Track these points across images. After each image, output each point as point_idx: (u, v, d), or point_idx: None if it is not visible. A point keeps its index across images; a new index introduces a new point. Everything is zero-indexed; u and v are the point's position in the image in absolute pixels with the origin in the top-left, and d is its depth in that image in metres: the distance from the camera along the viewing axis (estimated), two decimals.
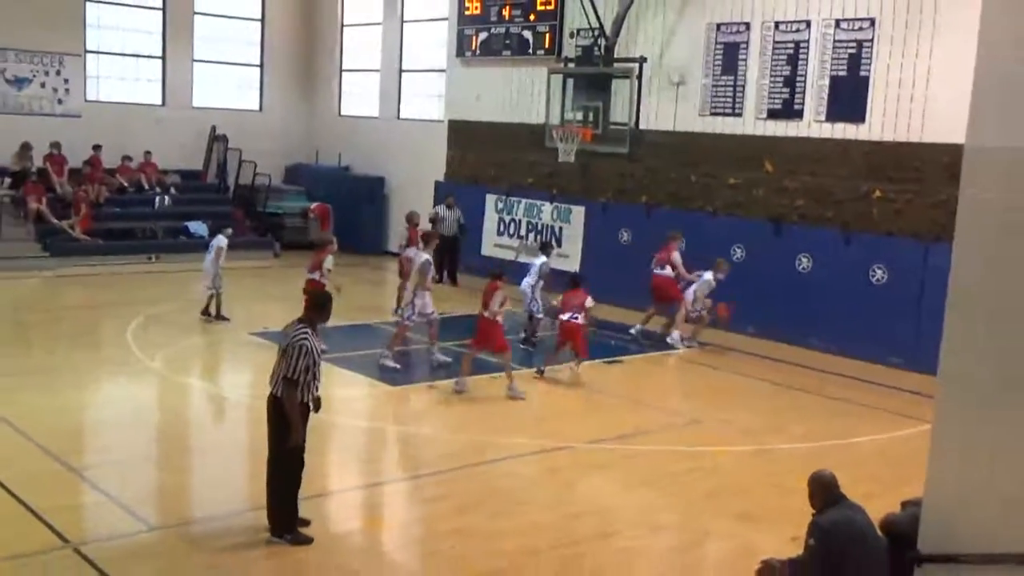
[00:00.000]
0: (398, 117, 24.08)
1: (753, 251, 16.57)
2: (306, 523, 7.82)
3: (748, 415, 12.09)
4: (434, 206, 22.16)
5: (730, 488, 9.39)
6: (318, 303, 8.08)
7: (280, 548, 7.60)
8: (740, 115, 16.89)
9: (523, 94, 20.18)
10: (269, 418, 7.73)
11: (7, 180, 21.38)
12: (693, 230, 17.24)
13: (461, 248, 20.67)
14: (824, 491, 5.87)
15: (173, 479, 9.59)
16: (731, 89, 17.03)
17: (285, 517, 7.70)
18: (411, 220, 17.14)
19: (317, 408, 7.81)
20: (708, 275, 15.46)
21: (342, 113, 25.72)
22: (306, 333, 7.62)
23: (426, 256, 13.91)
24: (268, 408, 7.74)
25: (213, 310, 15.80)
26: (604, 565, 7.49)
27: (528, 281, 15.19)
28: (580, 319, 13.12)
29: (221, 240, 16.16)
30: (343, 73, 25.79)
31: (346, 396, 12.28)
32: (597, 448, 10.43)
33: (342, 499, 9.38)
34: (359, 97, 25.34)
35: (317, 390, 7.73)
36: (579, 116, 19.14)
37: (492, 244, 21.16)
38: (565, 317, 13.25)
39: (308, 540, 7.65)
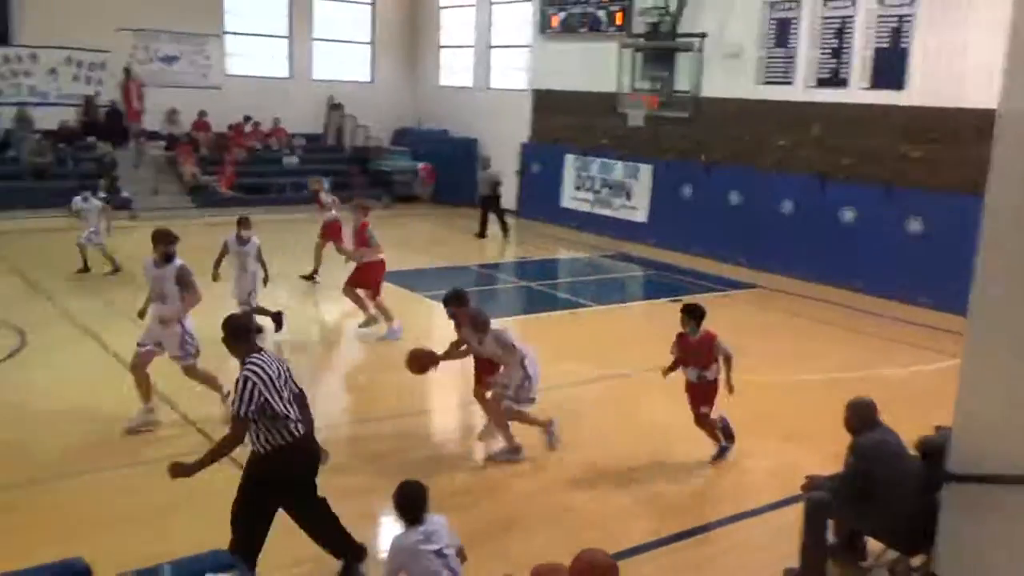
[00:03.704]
0: (488, 87, 23.97)
1: (801, 205, 16.21)
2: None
3: (792, 347, 11.93)
4: (518, 164, 22.25)
5: (774, 412, 9.30)
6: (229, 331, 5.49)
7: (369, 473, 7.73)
8: (791, 83, 16.42)
9: (597, 66, 19.87)
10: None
11: (162, 143, 21.96)
12: (747, 186, 17.01)
13: (499, 203, 19.88)
14: (863, 415, 5.76)
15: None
16: (783, 61, 16.55)
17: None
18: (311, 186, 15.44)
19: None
20: None
21: (441, 83, 25.69)
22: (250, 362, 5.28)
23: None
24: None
25: None
26: (661, 479, 7.50)
27: None
28: None
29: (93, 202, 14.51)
30: (441, 49, 25.72)
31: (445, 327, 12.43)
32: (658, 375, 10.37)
33: (422, 418, 9.54)
34: (455, 70, 25.27)
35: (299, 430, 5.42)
36: (646, 85, 18.89)
37: (570, 197, 21.09)
38: None
39: None
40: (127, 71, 21.58)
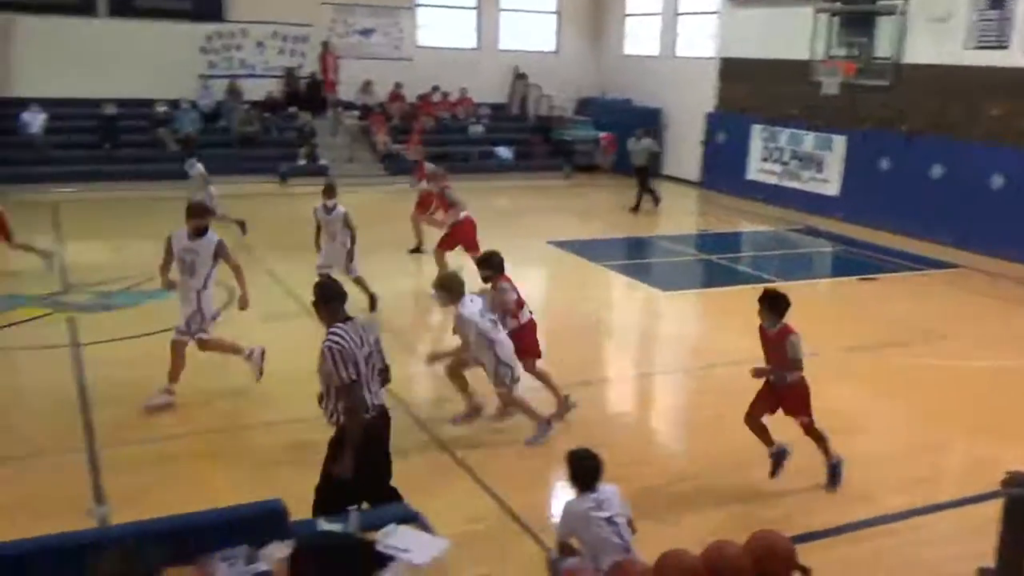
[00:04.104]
0: (674, 55, 23.45)
1: (1014, 179, 14.93)
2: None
3: (997, 331, 11.06)
4: (703, 134, 21.72)
5: (975, 400, 8.67)
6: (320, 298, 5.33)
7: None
8: (1007, 47, 15.09)
9: (789, 32, 18.99)
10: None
11: (356, 112, 22.91)
12: (952, 158, 15.85)
13: (651, 175, 19.29)
14: None
15: None
16: (998, 23, 15.21)
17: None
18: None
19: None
20: None
21: (625, 52, 25.34)
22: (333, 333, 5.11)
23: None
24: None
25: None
26: (846, 464, 7.17)
27: None
28: None
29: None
30: (627, 17, 25.34)
31: (622, 297, 12.39)
32: (846, 356, 9.93)
33: (618, 385, 9.53)
34: (640, 38, 24.86)
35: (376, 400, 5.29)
36: (842, 52, 17.92)
37: (757, 169, 20.39)
38: None
39: None
40: (325, 44, 22.59)
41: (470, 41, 24.90)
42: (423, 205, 13.87)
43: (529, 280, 13.71)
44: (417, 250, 13.98)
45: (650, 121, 23.07)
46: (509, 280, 7.83)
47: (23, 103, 19.40)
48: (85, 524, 5.20)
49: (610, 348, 10.61)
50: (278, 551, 4.18)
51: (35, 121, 19.30)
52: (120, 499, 5.79)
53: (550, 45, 25.85)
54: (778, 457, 6.72)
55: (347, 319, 5.22)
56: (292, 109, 22.15)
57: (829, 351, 9.56)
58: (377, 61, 23.45)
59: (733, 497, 6.58)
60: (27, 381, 7.80)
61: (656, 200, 19.00)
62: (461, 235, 11.79)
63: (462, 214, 11.88)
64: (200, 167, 14.50)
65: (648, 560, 4.40)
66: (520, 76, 25.02)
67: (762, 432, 6.75)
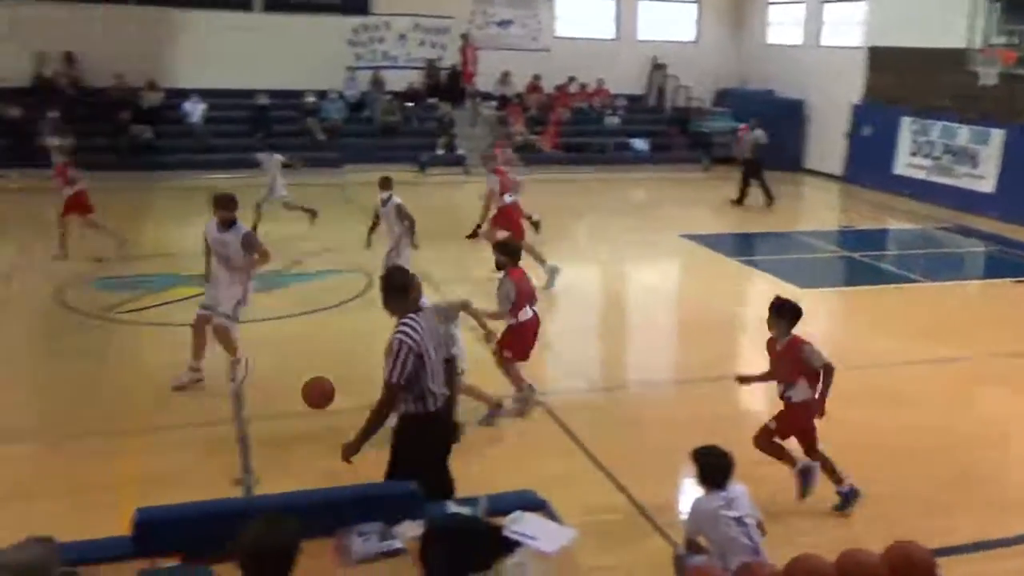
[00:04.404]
0: (819, 44, 22.60)
1: None
2: None
3: None
4: (848, 126, 20.89)
5: None
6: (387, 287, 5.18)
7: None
8: None
9: (942, 19, 17.99)
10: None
11: (494, 103, 23.14)
12: None
13: (760, 169, 18.00)
14: None
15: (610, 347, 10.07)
16: None
17: None
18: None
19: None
20: None
21: (768, 41, 24.61)
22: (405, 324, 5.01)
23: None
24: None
25: None
26: (998, 476, 6.78)
27: None
28: None
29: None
30: (770, 5, 24.59)
31: (757, 293, 12.08)
32: (997, 361, 9.37)
33: None
34: (784, 26, 24.08)
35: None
36: (1003, 40, 16.86)
37: (905, 164, 19.46)
38: None
39: None
40: (465, 36, 22.90)
41: (608, 31, 24.71)
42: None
43: (661, 273, 13.62)
44: (474, 235, 13.88)
45: (792, 113, 22.39)
46: (522, 272, 7.70)
47: (185, 94, 20.52)
48: (233, 493, 5.49)
49: (744, 344, 10.35)
50: (411, 530, 4.30)
51: (195, 111, 20.40)
52: (264, 471, 6.05)
53: (689, 35, 25.37)
54: (804, 475, 6.11)
55: (418, 309, 5.10)
56: (432, 100, 22.58)
57: (981, 355, 9.06)
58: (515, 52, 23.60)
59: (874, 504, 6.27)
60: (181, 357, 8.25)
61: (770, 198, 17.86)
62: (503, 219, 12.13)
63: (509, 198, 12.27)
64: (278, 158, 14.59)
65: (778, 564, 4.29)
66: (658, 66, 24.67)
67: (779, 452, 6.15)
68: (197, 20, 20.99)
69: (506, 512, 4.45)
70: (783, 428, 6.12)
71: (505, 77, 23.37)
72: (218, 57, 21.02)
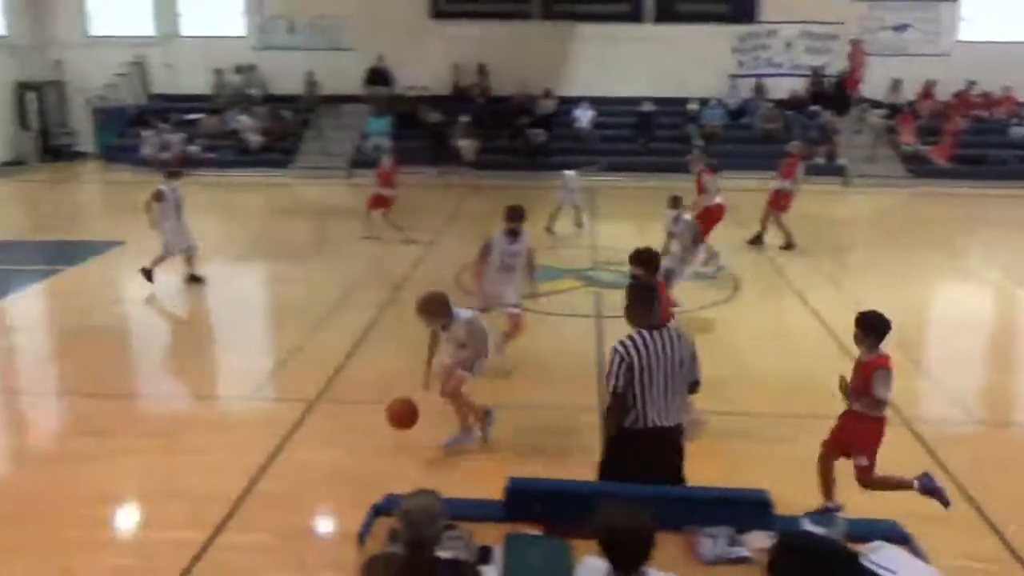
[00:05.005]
0: None
1: None
2: None
3: None
4: None
5: None
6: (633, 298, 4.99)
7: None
8: None
9: None
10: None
11: (882, 111, 21.61)
12: None
13: None
14: None
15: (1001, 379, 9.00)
16: None
17: None
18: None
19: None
20: None
21: None
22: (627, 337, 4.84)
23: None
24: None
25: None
26: None
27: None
28: None
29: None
30: None
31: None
32: None
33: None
34: None
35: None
36: None
37: None
38: None
39: None
40: (855, 41, 21.60)
41: (1021, 33, 21.91)
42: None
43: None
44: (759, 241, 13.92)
45: None
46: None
47: (576, 101, 21.70)
48: (589, 476, 5.71)
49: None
50: (759, 540, 4.20)
51: (584, 117, 21.54)
52: None
53: None
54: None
55: (653, 327, 4.82)
56: (814, 107, 21.64)
57: None
58: (908, 57, 21.83)
59: None
60: (556, 344, 8.78)
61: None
62: (707, 219, 11.90)
63: (714, 200, 12.43)
64: (573, 174, 14.94)
65: None
66: None
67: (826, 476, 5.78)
68: (592, 33, 22.04)
69: (865, 539, 4.18)
70: (851, 440, 5.64)
71: (896, 84, 21.71)
72: (608, 67, 21.91)
